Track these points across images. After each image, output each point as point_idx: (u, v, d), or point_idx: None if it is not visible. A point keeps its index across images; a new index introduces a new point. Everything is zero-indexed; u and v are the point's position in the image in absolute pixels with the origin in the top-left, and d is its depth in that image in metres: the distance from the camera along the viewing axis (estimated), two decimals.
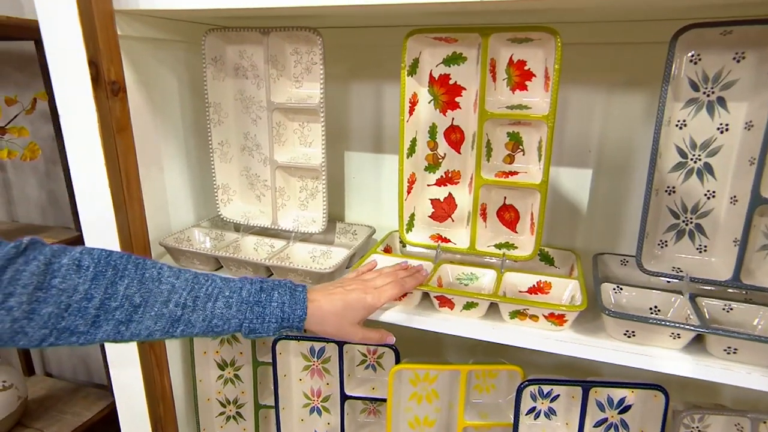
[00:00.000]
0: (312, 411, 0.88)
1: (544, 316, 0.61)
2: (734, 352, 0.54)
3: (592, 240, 0.86)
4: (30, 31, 1.18)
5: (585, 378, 0.71)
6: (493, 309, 0.66)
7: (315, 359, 0.85)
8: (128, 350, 0.78)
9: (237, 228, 0.87)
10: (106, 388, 1.62)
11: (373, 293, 0.61)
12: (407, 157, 0.72)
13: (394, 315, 0.68)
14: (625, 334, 0.59)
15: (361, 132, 0.95)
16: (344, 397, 0.81)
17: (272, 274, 0.76)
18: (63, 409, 1.56)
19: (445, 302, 0.65)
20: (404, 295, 0.66)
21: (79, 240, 1.33)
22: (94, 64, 0.66)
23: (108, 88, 0.68)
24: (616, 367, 0.69)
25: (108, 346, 0.79)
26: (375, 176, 0.97)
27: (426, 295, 0.68)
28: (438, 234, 0.76)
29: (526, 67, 0.66)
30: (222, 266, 0.79)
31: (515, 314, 0.63)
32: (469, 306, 0.64)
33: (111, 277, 0.51)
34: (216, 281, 0.56)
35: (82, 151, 0.69)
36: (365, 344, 0.82)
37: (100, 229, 0.73)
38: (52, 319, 0.48)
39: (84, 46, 0.64)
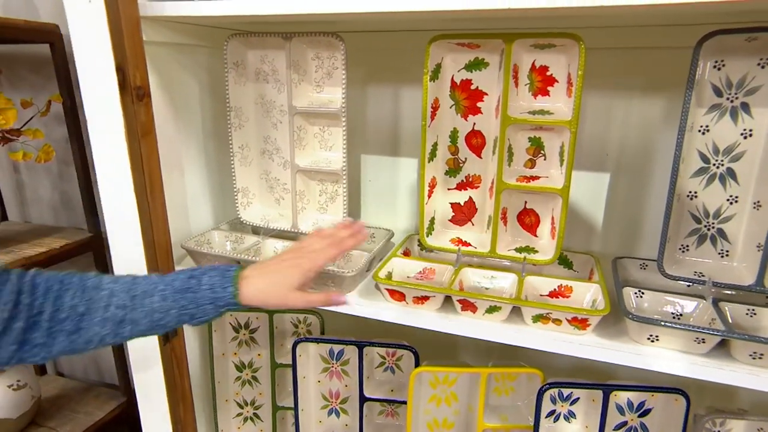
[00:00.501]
0: (330, 412, 0.88)
1: (567, 320, 0.62)
2: (760, 357, 0.55)
3: (609, 243, 0.86)
4: (45, 34, 1.19)
5: (600, 381, 0.72)
6: (515, 312, 0.66)
7: (334, 361, 0.85)
8: (150, 352, 0.79)
9: (255, 231, 0.88)
10: (118, 388, 1.62)
11: (309, 256, 0.62)
12: (428, 162, 0.73)
13: (417, 318, 0.69)
14: (648, 339, 0.59)
15: (378, 135, 0.96)
16: (363, 399, 0.82)
17: None
18: (75, 408, 1.57)
19: (468, 306, 0.66)
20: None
21: (92, 241, 1.34)
22: (121, 70, 0.66)
23: (133, 94, 0.69)
24: (631, 371, 0.69)
25: (130, 348, 0.80)
26: (391, 179, 0.98)
27: (448, 299, 0.68)
28: (458, 238, 0.77)
29: (548, 73, 0.66)
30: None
31: (538, 318, 0.63)
32: (492, 310, 0.65)
33: (58, 290, 0.55)
34: (152, 278, 0.59)
35: (109, 155, 0.70)
36: (318, 309, 0.78)
37: (124, 233, 0.74)
38: (18, 334, 0.52)
39: (112, 52, 0.64)
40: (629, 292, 0.67)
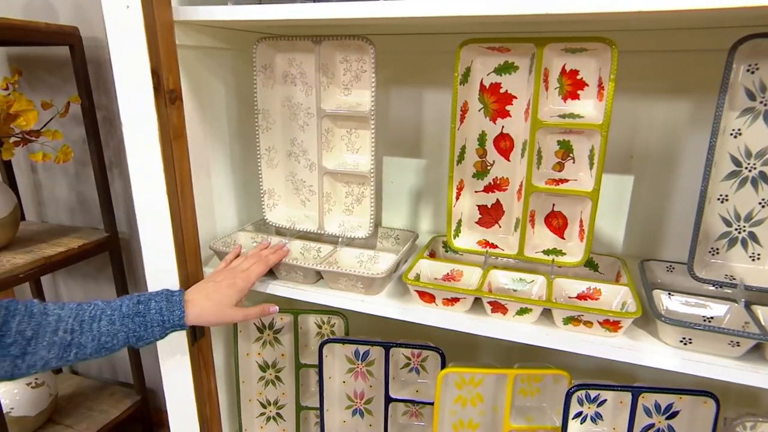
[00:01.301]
0: (354, 413, 0.89)
1: (599, 322, 0.62)
2: None
3: (631, 246, 0.87)
4: (66, 36, 1.20)
5: (621, 383, 0.72)
6: (545, 314, 0.67)
7: (359, 362, 0.86)
8: (178, 353, 0.80)
9: (278, 232, 0.89)
10: (132, 387, 1.64)
11: (241, 276, 0.70)
12: (457, 164, 0.73)
13: (446, 320, 0.69)
14: (681, 341, 0.60)
15: (400, 137, 0.96)
16: (388, 400, 0.82)
17: (322, 278, 0.78)
18: (91, 406, 1.58)
19: (498, 308, 0.66)
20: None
21: (109, 240, 1.35)
22: (155, 74, 0.67)
23: (166, 97, 0.70)
24: (652, 373, 0.70)
25: (160, 348, 0.81)
26: (413, 182, 0.98)
27: (477, 300, 0.69)
28: (485, 240, 0.77)
29: (578, 77, 0.67)
30: (272, 270, 0.80)
31: (569, 320, 0.64)
32: (522, 312, 0.65)
33: (3, 316, 0.57)
34: (98, 304, 0.63)
35: (142, 157, 0.70)
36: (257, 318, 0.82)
37: (156, 233, 0.75)
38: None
39: (148, 56, 0.65)
40: (659, 295, 0.67)
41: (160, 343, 0.81)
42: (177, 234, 0.75)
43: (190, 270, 0.79)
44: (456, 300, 0.68)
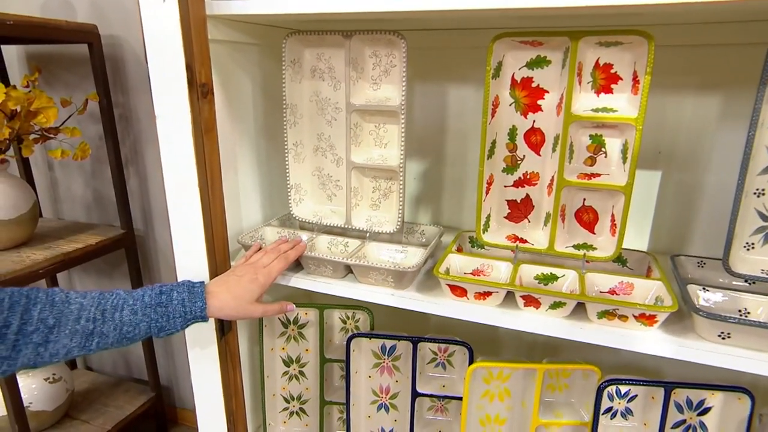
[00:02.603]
0: (379, 408, 0.89)
1: (634, 316, 0.62)
2: None
3: (658, 242, 0.86)
4: (85, 34, 1.21)
5: (646, 378, 0.72)
6: (578, 309, 0.67)
7: (385, 357, 0.86)
8: (206, 347, 0.80)
9: (302, 227, 0.89)
10: (146, 383, 1.65)
11: (262, 272, 0.70)
12: (487, 159, 0.73)
13: (477, 314, 0.69)
14: (719, 336, 0.59)
15: (423, 133, 0.96)
16: (415, 395, 0.82)
17: (351, 272, 0.78)
18: (106, 402, 1.59)
19: (531, 302, 0.66)
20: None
21: (125, 237, 1.36)
22: (189, 68, 0.67)
23: (199, 91, 0.70)
24: (682, 368, 0.69)
25: (189, 342, 0.81)
26: (436, 178, 0.98)
27: (509, 295, 0.69)
28: (514, 235, 0.77)
29: (612, 71, 0.66)
30: (300, 263, 0.80)
31: (603, 314, 0.64)
32: (555, 306, 0.65)
33: (25, 304, 0.56)
34: (120, 294, 0.63)
35: (175, 150, 0.71)
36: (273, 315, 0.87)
37: (186, 228, 0.75)
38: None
39: (183, 50, 0.65)
40: (694, 289, 0.67)
41: (188, 337, 0.81)
42: (207, 228, 0.75)
43: (219, 264, 0.79)
44: (488, 294, 0.68)
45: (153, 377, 1.59)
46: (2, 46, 1.38)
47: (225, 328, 0.82)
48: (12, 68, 1.45)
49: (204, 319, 0.66)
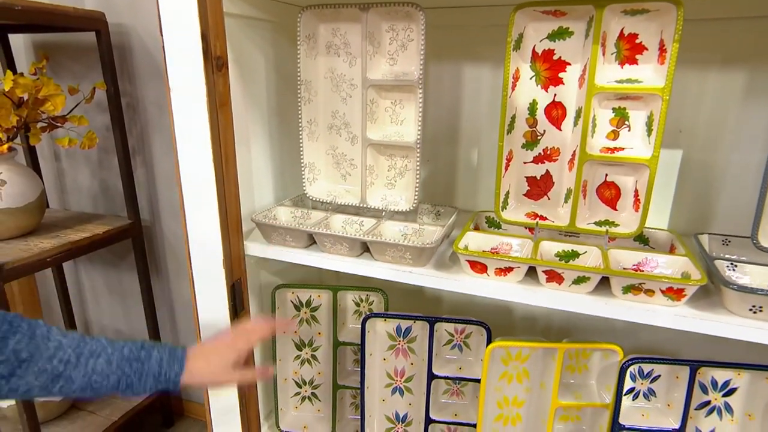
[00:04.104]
0: (394, 391, 0.88)
1: (662, 290, 0.60)
2: None
3: (679, 222, 0.85)
4: (93, 21, 1.20)
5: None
6: (602, 284, 0.65)
7: (401, 338, 0.84)
8: (220, 327, 0.79)
9: (316, 207, 0.88)
10: None
11: (243, 338, 0.67)
12: (506, 134, 0.72)
13: (498, 290, 0.68)
14: (750, 310, 0.58)
15: (437, 116, 0.95)
16: (431, 377, 0.81)
17: (367, 251, 0.76)
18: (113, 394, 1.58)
19: (554, 277, 0.65)
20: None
21: (132, 227, 1.35)
22: (204, 39, 0.66)
23: (213, 63, 0.69)
24: (700, 353, 0.68)
25: (201, 322, 0.80)
26: (450, 161, 0.97)
27: (531, 271, 0.67)
28: (533, 212, 0.76)
29: (637, 41, 0.65)
30: (315, 242, 0.79)
31: (629, 289, 0.62)
32: (579, 281, 0.64)
33: (5, 331, 0.53)
34: (102, 342, 0.59)
35: (190, 124, 0.69)
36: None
37: (200, 205, 0.74)
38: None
39: (198, 19, 0.64)
40: (722, 265, 0.65)
41: (201, 316, 0.80)
42: (221, 204, 0.74)
43: (233, 243, 0.78)
44: (509, 270, 0.66)
45: None
46: (10, 36, 1.38)
47: (238, 309, 0.81)
48: (19, 58, 1.44)
49: (176, 385, 0.62)
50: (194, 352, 0.64)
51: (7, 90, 1.13)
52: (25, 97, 1.17)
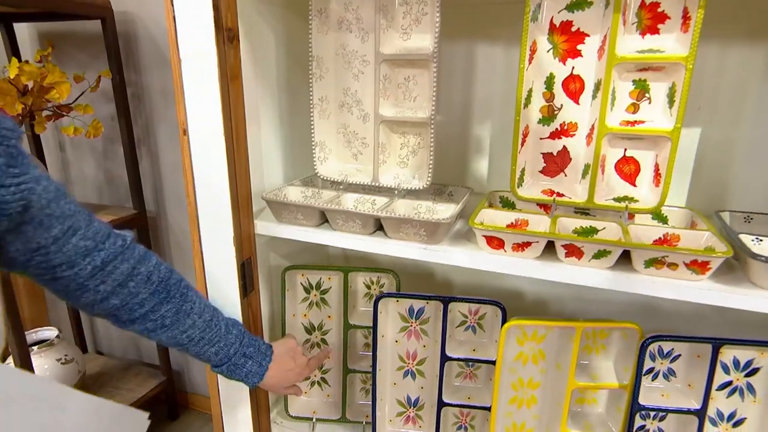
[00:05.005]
0: (406, 374, 0.86)
1: (685, 263, 0.59)
2: None
3: (697, 201, 0.83)
4: (98, 9, 1.19)
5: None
6: (623, 258, 0.63)
7: (413, 320, 0.83)
8: (230, 305, 0.77)
9: (325, 187, 0.86)
10: (157, 367, 1.62)
11: (305, 372, 0.80)
12: (523, 108, 0.70)
13: (515, 266, 0.66)
14: None
15: (449, 97, 0.93)
16: (444, 359, 0.79)
17: (380, 229, 0.75)
18: (117, 385, 1.57)
19: (573, 251, 0.63)
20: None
21: (136, 218, 1.34)
22: (216, 8, 0.65)
23: (225, 35, 0.68)
24: (717, 331, 0.66)
25: (211, 300, 0.78)
26: (461, 139, 0.95)
27: (549, 247, 0.66)
28: (550, 189, 0.74)
29: (659, 9, 0.63)
30: (326, 221, 0.77)
31: (651, 263, 0.61)
32: (599, 255, 0.62)
33: (162, 298, 0.62)
34: (221, 331, 0.69)
35: (201, 96, 0.68)
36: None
37: (211, 180, 0.72)
38: (114, 306, 0.59)
39: None
40: (747, 239, 0.63)
41: (210, 296, 0.79)
42: (232, 181, 0.73)
43: (243, 221, 0.76)
44: (527, 245, 0.65)
45: (164, 361, 1.57)
46: (15, 25, 1.37)
47: (248, 288, 0.80)
48: (24, 47, 1.43)
49: (249, 384, 0.73)
50: (275, 368, 0.74)
51: (12, 77, 1.12)
52: (30, 84, 1.16)
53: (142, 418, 0.55)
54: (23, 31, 1.44)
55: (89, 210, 0.57)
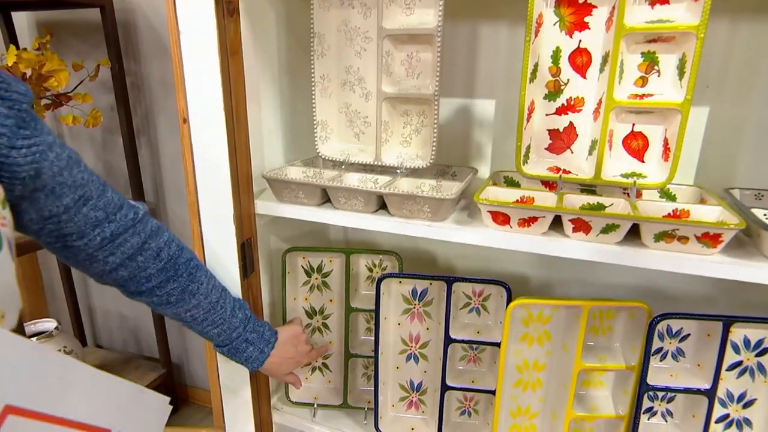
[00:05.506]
0: (408, 358, 0.85)
1: (696, 236, 0.57)
2: None
3: (705, 180, 0.81)
4: None
5: None
6: (632, 233, 0.62)
7: (416, 302, 0.81)
8: (230, 286, 0.76)
9: (326, 167, 0.85)
10: (157, 361, 1.61)
11: (304, 360, 0.82)
12: (529, 83, 0.69)
13: (521, 242, 0.65)
14: None
15: (451, 77, 0.92)
16: (448, 341, 0.78)
17: (383, 208, 0.73)
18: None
19: (581, 226, 0.62)
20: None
21: None
22: None
23: (225, 8, 0.67)
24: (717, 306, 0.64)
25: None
26: (464, 120, 0.94)
27: (555, 222, 0.64)
28: (556, 166, 0.73)
29: None
30: (328, 200, 0.76)
31: (661, 236, 0.59)
32: (608, 229, 0.61)
33: (170, 276, 0.61)
34: (226, 314, 0.68)
35: (200, 72, 0.67)
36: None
37: (211, 158, 0.71)
38: (122, 278, 0.59)
39: None
40: (759, 213, 0.62)
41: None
42: (232, 158, 0.71)
43: (243, 200, 0.75)
44: (533, 220, 0.64)
45: (164, 354, 1.56)
46: (13, 14, 1.35)
47: (248, 269, 0.78)
48: (22, 37, 1.42)
49: (248, 368, 0.74)
50: (277, 354, 0.74)
51: (10, 65, 1.10)
52: (29, 72, 1.15)
53: (163, 403, 0.53)
54: (22, 20, 1.43)
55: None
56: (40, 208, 0.49)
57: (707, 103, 0.79)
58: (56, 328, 1.37)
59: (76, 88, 1.25)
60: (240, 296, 0.76)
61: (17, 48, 1.25)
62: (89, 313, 1.74)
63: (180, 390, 1.70)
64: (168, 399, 0.53)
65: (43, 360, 0.42)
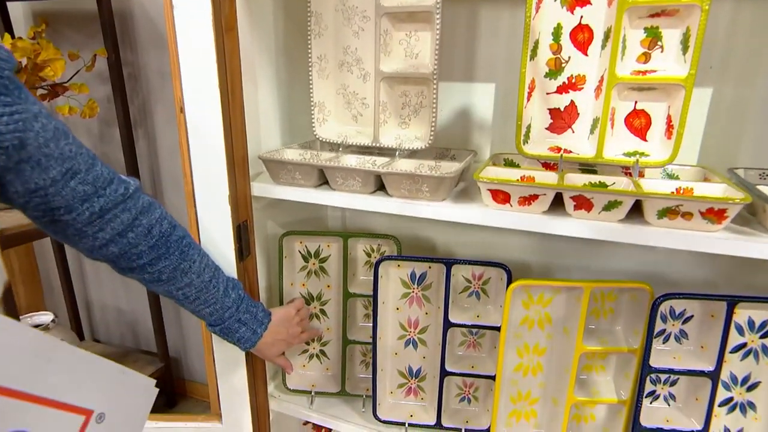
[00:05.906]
0: (407, 343, 0.83)
1: (701, 212, 0.56)
2: None
3: (708, 161, 0.80)
4: None
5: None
6: (634, 210, 0.61)
7: (415, 286, 0.80)
8: (226, 269, 0.75)
9: (324, 149, 0.84)
10: (155, 355, 1.60)
11: (296, 340, 0.81)
12: (529, 60, 0.68)
13: (522, 221, 0.64)
14: None
15: (449, 60, 0.90)
16: (448, 325, 0.76)
17: (381, 188, 0.72)
18: None
19: (583, 204, 0.61)
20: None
21: None
22: None
23: None
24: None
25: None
26: (463, 104, 0.93)
27: (556, 201, 0.63)
28: (557, 146, 0.71)
29: None
30: (326, 182, 0.75)
31: (664, 213, 0.58)
32: (610, 206, 0.60)
33: (161, 253, 0.60)
34: (218, 293, 0.67)
35: (194, 48, 0.66)
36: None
37: (205, 138, 0.70)
38: (112, 254, 0.58)
39: None
40: (765, 189, 0.61)
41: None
42: (227, 138, 0.70)
43: (239, 181, 0.74)
44: (534, 198, 0.62)
45: (162, 348, 1.54)
46: (8, 3, 1.34)
47: (244, 252, 0.77)
48: (18, 27, 1.40)
49: (241, 348, 0.74)
50: (267, 340, 0.74)
51: None
52: (24, 62, 1.13)
53: (149, 385, 0.52)
54: (17, 10, 1.42)
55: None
56: (26, 180, 0.48)
57: (711, 83, 0.78)
58: (53, 321, 1.35)
59: (72, 78, 1.24)
60: (235, 277, 0.75)
61: (12, 37, 1.24)
62: (87, 306, 1.73)
63: (178, 384, 1.68)
64: (154, 381, 0.52)
65: (17, 336, 0.41)
